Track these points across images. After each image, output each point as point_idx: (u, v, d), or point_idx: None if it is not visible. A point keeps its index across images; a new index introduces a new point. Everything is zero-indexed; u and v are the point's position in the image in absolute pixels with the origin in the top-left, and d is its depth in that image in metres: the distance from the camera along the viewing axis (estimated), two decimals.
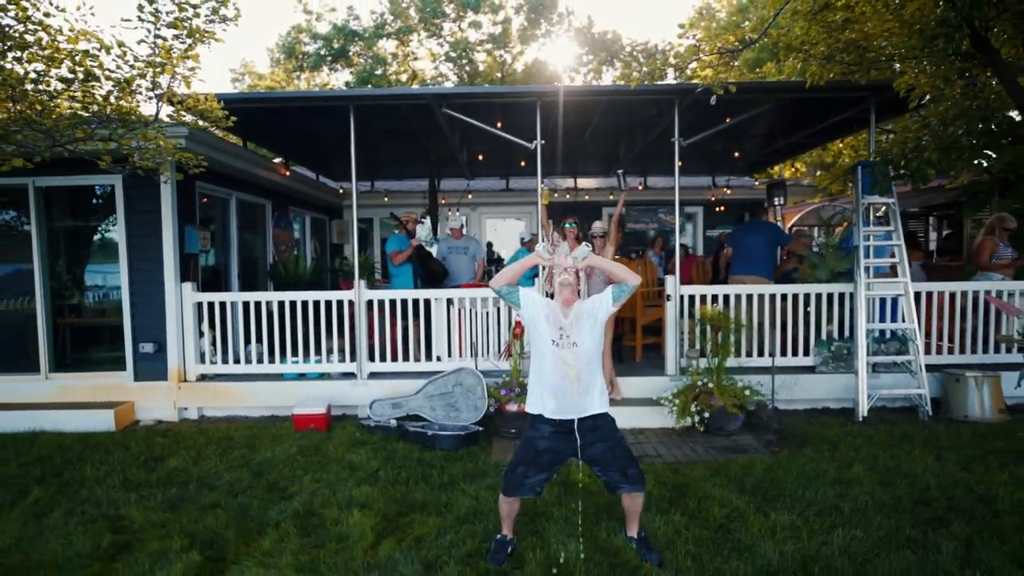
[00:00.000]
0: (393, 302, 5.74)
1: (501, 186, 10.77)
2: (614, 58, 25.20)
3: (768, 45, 11.56)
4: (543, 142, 5.66)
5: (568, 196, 10.66)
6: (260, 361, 5.75)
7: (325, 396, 5.44)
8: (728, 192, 10.52)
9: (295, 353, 5.77)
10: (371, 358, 5.76)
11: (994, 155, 4.79)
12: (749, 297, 5.69)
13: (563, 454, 2.85)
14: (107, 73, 3.28)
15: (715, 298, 5.64)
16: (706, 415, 4.86)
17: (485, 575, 2.76)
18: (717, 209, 10.95)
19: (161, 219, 5.54)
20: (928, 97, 4.17)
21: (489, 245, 11.33)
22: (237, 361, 5.76)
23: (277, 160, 8.32)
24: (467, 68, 23.14)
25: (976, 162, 5.22)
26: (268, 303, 5.80)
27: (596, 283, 5.56)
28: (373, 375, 5.74)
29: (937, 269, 8.46)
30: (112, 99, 3.36)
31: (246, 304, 5.74)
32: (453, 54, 22.87)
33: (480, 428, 4.86)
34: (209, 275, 6.71)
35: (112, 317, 5.81)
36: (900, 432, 4.75)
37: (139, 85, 3.42)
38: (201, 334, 5.75)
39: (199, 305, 5.70)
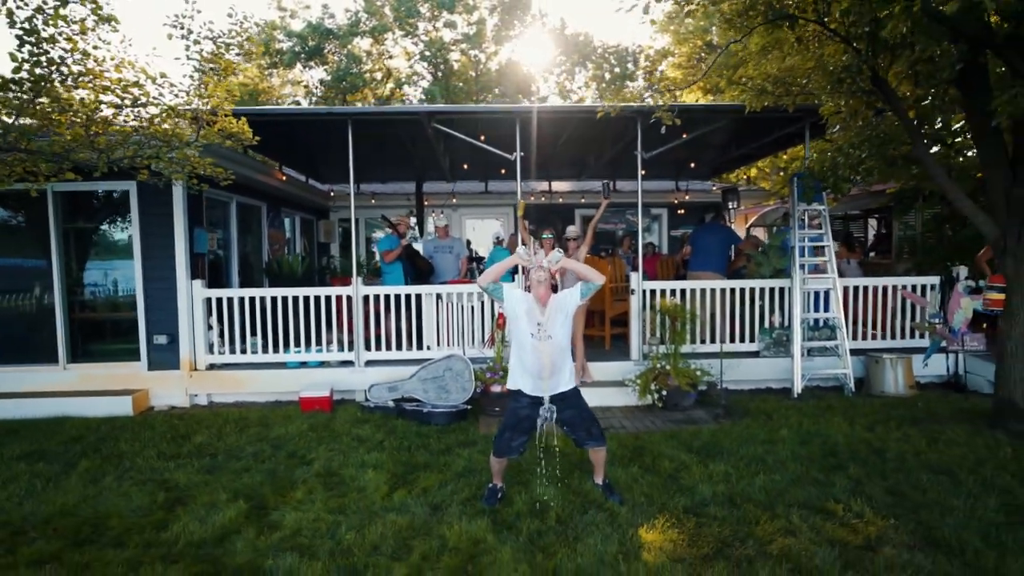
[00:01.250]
0: (387, 297, 6.38)
1: (480, 189, 11.45)
2: (586, 60, 26.05)
3: (722, 74, 12.52)
4: (522, 154, 6.36)
5: (543, 199, 11.41)
6: (264, 351, 6.32)
7: (326, 382, 6.06)
8: (688, 196, 11.40)
9: (297, 344, 6.36)
10: (368, 347, 6.39)
11: (892, 178, 5.67)
12: (703, 291, 6.51)
13: (536, 421, 3.55)
14: (152, 100, 3.84)
15: (673, 292, 6.44)
16: (664, 393, 5.64)
17: (481, 513, 3.46)
18: (680, 211, 11.84)
19: (173, 221, 6.06)
20: (838, 128, 5.01)
21: (468, 244, 11.99)
22: (243, 351, 6.33)
23: (272, 165, 8.84)
24: (442, 67, 23.65)
25: (883, 179, 6.08)
26: (273, 298, 6.37)
27: (569, 280, 6.30)
28: (370, 363, 6.37)
29: (872, 266, 9.48)
30: (156, 122, 3.92)
31: (252, 299, 6.30)
32: (428, 53, 23.33)
33: (468, 407, 5.55)
34: (211, 272, 7.23)
35: (126, 311, 6.31)
36: (825, 405, 5.61)
37: (182, 109, 3.98)
38: (210, 327, 6.29)
39: (208, 300, 6.24)
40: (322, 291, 6.40)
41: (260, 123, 6.75)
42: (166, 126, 4.00)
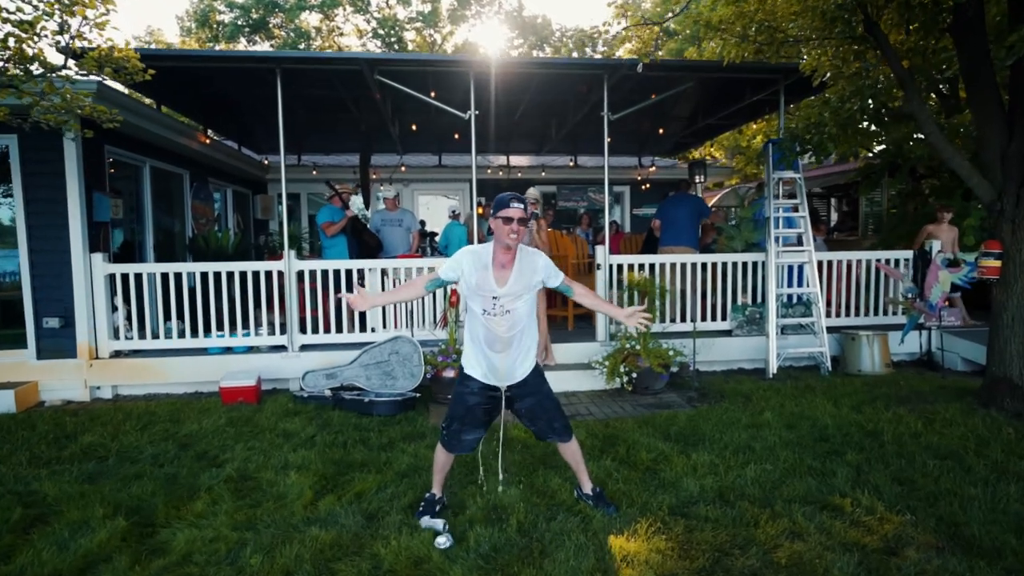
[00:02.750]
0: (325, 273, 5.63)
1: (434, 162, 10.69)
2: (544, 42, 25.42)
3: (689, 35, 12.12)
4: (476, 112, 5.70)
5: (501, 173, 10.75)
6: (181, 336, 5.48)
7: (254, 370, 5.28)
8: (653, 171, 10.97)
9: (220, 328, 5.54)
10: (303, 330, 5.64)
11: (883, 134, 5.31)
12: (672, 266, 6.02)
13: (494, 411, 2.84)
14: (5, 16, 2.98)
15: (641, 267, 5.93)
16: (634, 375, 5.13)
17: None
18: (643, 187, 11.40)
19: (66, 183, 5.12)
20: (828, 75, 4.58)
21: (423, 224, 11.23)
22: (156, 336, 5.47)
23: (196, 128, 7.85)
24: (395, 47, 22.59)
25: (869, 141, 5.73)
26: (190, 275, 5.52)
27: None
28: (305, 347, 5.61)
29: (837, 243, 9.28)
30: (12, 43, 3.06)
31: (164, 276, 5.43)
32: (381, 31, 22.24)
33: (417, 395, 4.90)
34: (121, 250, 6.28)
35: (9, 291, 5.33)
36: (804, 385, 5.22)
37: (44, 28, 3.13)
38: (114, 308, 5.40)
39: (111, 277, 5.34)
40: (248, 266, 5.58)
41: (169, 71, 5.81)
42: (26, 47, 3.13)
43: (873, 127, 4.91)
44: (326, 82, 6.47)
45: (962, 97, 4.65)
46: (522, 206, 2.53)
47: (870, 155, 8.07)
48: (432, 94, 6.04)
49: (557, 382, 5.42)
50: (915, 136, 5.42)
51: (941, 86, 5.71)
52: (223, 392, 4.95)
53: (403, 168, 10.07)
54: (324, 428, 4.25)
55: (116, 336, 5.40)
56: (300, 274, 5.62)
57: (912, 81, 4.06)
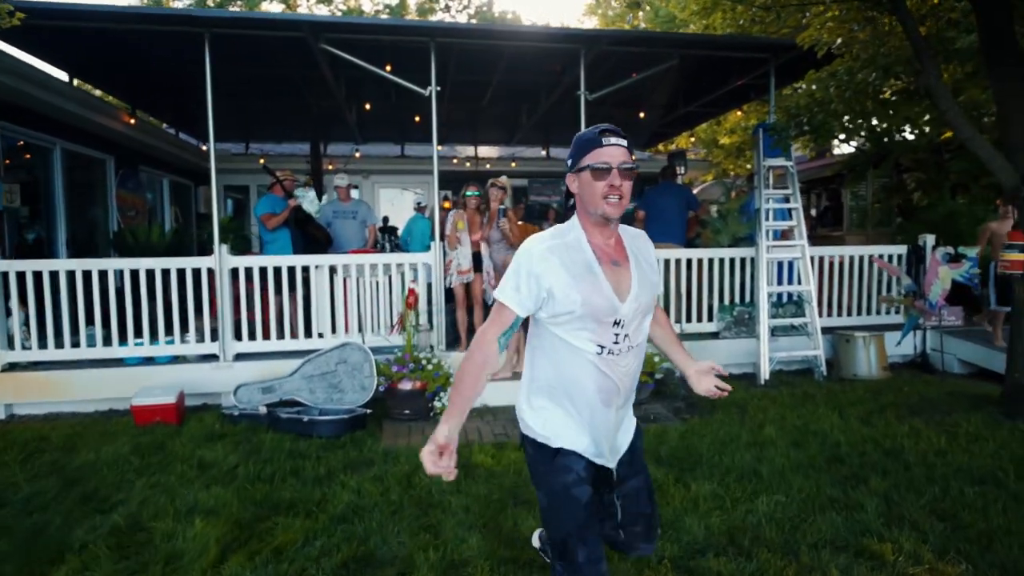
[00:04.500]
0: (264, 270, 4.90)
1: (396, 152, 9.97)
2: None
3: (664, 18, 11.67)
4: (438, 88, 5.04)
5: (467, 164, 10.10)
6: (92, 344, 4.68)
7: (179, 382, 4.51)
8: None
9: (139, 334, 4.76)
10: (238, 336, 4.89)
11: (892, 111, 4.88)
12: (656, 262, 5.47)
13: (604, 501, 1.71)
14: None
15: None
16: None
17: None
18: None
19: None
20: (840, 41, 4.08)
21: (385, 220, 10.51)
22: (61, 345, 4.66)
23: (119, 105, 6.98)
24: None
25: (886, 116, 5.22)
26: (102, 272, 4.71)
27: (498, 250, 5.10)
28: (240, 356, 4.87)
29: (820, 239, 8.91)
30: None
31: (71, 274, 4.63)
32: None
33: (368, 411, 4.22)
34: (26, 246, 5.43)
35: None
36: (802, 392, 4.74)
37: None
38: (8, 312, 4.57)
39: (4, 276, 4.52)
40: (173, 262, 4.81)
41: (86, 36, 4.94)
42: None
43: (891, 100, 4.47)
44: (269, 56, 5.73)
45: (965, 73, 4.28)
46: (623, 143, 1.50)
47: (854, 145, 7.72)
48: (388, 68, 5.36)
49: None
50: (926, 117, 5.01)
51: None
52: (135, 412, 4.18)
53: (358, 155, 9.26)
54: (251, 455, 3.54)
55: (10, 345, 4.58)
56: (234, 272, 4.88)
57: (930, 51, 3.60)
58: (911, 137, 6.70)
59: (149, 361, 4.79)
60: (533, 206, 10.37)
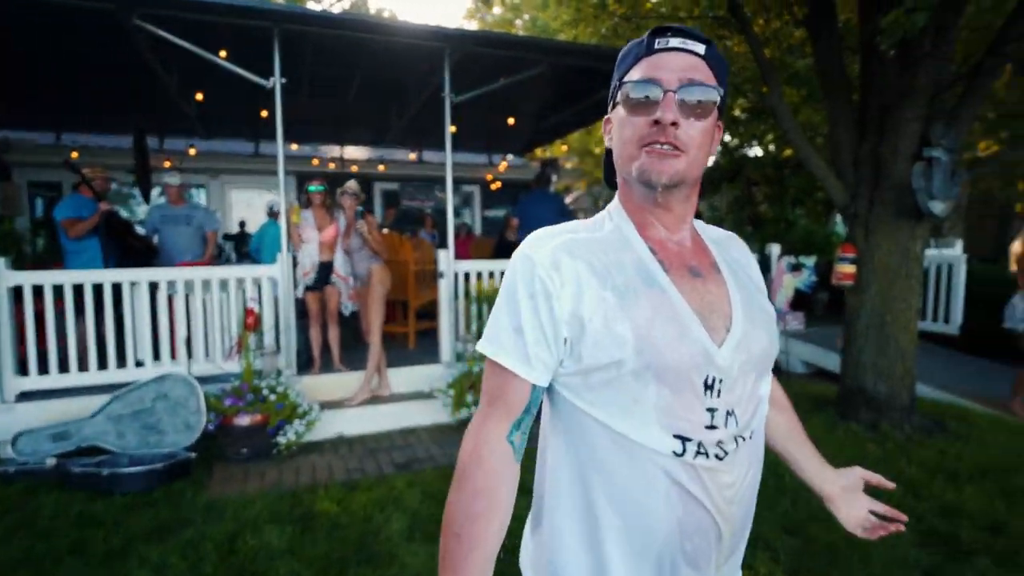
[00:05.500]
0: (60, 289, 4.02)
1: (249, 150, 9.00)
2: None
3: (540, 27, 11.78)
4: (284, 81, 4.48)
5: (332, 165, 9.40)
6: None
7: None
8: (504, 168, 10.36)
9: None
10: (22, 371, 3.96)
11: (741, 128, 5.14)
12: None
13: None
14: None
15: (492, 275, 5.15)
16: None
17: None
18: (493, 186, 10.76)
19: None
20: None
21: (242, 225, 9.47)
22: None
23: None
24: None
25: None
26: None
27: (360, 259, 4.65)
28: (26, 396, 3.94)
29: None
30: None
31: None
32: None
33: (192, 454, 3.57)
34: None
35: None
36: None
37: None
38: None
39: None
40: None
41: None
42: None
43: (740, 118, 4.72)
44: (77, 33, 4.78)
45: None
46: (698, 47, 0.84)
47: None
48: (223, 54, 4.67)
49: (391, 418, 4.43)
50: (771, 135, 5.37)
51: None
52: None
53: (192, 152, 8.12)
54: (21, 528, 2.79)
55: None
56: (17, 291, 3.95)
57: (774, 72, 3.77)
58: (761, 153, 7.23)
59: None
60: (406, 212, 9.91)
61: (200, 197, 9.55)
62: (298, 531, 2.74)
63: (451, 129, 5.23)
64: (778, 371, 5.85)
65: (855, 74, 3.97)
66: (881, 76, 3.63)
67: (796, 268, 5.63)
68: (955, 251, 6.12)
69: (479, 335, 4.78)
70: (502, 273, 4.99)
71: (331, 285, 4.73)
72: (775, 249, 6.17)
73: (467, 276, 5.04)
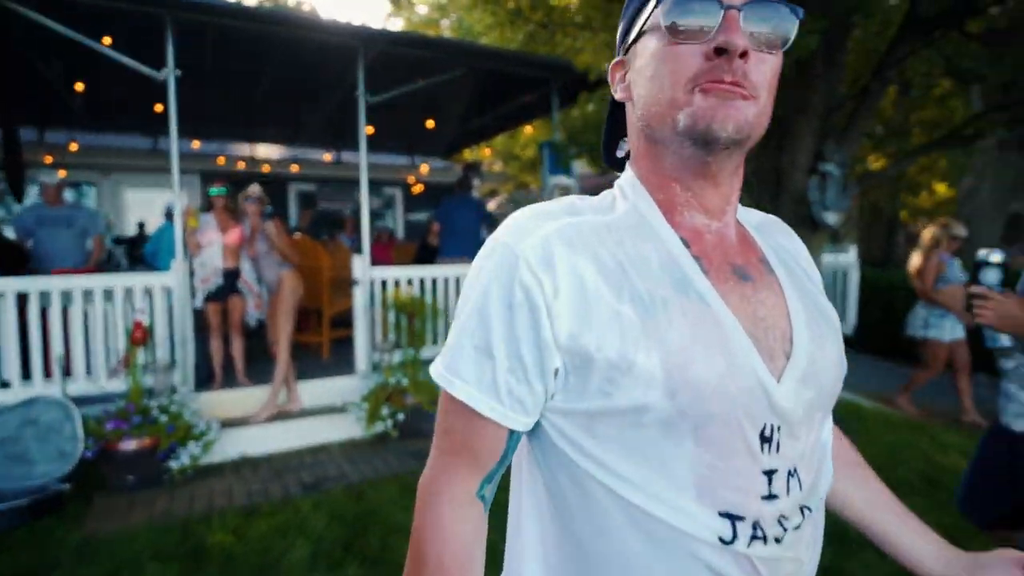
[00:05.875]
0: None
1: (147, 146, 8.30)
2: None
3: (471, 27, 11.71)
4: (179, 73, 4.13)
5: (242, 164, 8.85)
6: None
7: None
8: (426, 170, 10.17)
9: None
10: None
11: None
12: (446, 280, 5.21)
13: None
14: None
15: (410, 282, 4.99)
16: (400, 417, 4.14)
17: None
18: (414, 190, 10.55)
19: None
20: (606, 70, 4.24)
21: (141, 227, 8.73)
22: None
23: None
24: None
25: None
26: None
27: (268, 265, 4.39)
28: None
29: None
30: None
31: None
32: None
33: (66, 485, 3.19)
34: None
35: None
36: None
37: None
38: None
39: None
40: None
41: None
42: None
43: None
44: None
45: None
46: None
47: None
48: (107, 41, 4.25)
49: (300, 435, 4.17)
50: None
51: None
52: None
53: (74, 147, 7.35)
54: None
55: None
56: None
57: None
58: None
59: None
60: (324, 214, 9.51)
61: (90, 197, 8.72)
62: (186, 568, 2.50)
63: (368, 130, 5.06)
64: None
65: None
66: (780, 93, 3.82)
67: None
68: (849, 257, 6.57)
69: (397, 344, 4.63)
70: (421, 281, 4.86)
71: (236, 294, 4.41)
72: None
73: (384, 284, 4.86)
